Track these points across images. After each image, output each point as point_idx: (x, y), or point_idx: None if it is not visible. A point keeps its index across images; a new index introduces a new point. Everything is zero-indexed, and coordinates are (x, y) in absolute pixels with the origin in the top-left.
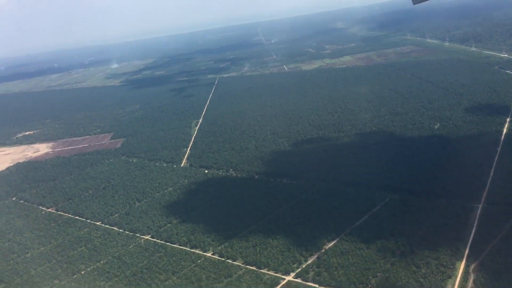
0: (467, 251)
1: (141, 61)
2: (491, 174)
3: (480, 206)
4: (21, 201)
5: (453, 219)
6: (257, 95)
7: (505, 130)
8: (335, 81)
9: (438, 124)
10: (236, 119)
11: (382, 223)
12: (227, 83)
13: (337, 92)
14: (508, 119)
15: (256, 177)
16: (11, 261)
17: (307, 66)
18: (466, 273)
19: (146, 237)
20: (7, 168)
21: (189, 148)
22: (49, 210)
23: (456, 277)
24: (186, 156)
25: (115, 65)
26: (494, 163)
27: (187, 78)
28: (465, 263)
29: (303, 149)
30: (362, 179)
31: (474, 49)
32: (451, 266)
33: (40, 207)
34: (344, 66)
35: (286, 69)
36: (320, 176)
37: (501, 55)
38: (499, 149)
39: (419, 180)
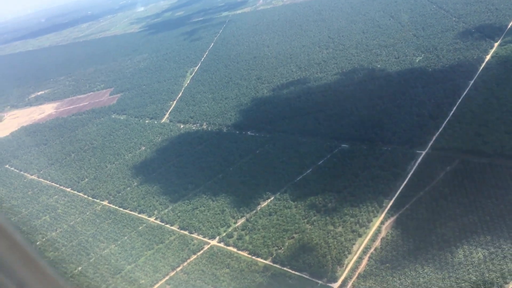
0: (389, 206)
1: (166, 1)
2: (450, 114)
3: (424, 152)
4: (12, 168)
5: (389, 169)
6: (259, 34)
7: (487, 57)
8: (340, 9)
9: (422, 56)
10: (229, 64)
11: (320, 178)
12: (236, 22)
13: (337, 23)
14: (496, 44)
15: (225, 130)
16: None
17: None
18: (377, 231)
19: (104, 203)
20: (11, 133)
21: (175, 101)
22: (32, 177)
23: (367, 235)
24: (169, 111)
25: (141, 8)
26: (459, 101)
27: (201, 18)
28: (381, 220)
29: (279, 96)
30: (321, 127)
31: None
32: (366, 224)
33: (25, 174)
34: None
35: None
36: (282, 126)
37: None
38: (471, 82)
39: (373, 126)
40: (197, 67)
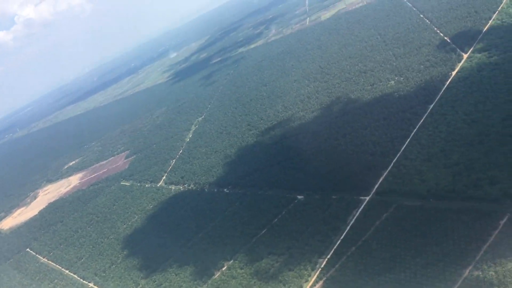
0: (321, 267)
1: (197, 41)
2: (401, 150)
3: (367, 199)
4: (31, 252)
5: (331, 223)
6: (261, 71)
7: (454, 73)
8: (337, 32)
9: (395, 79)
10: (227, 112)
11: (270, 239)
12: (247, 59)
13: (331, 48)
14: (465, 56)
15: (206, 189)
16: None
17: (327, 14)
18: None
19: (90, 285)
20: (40, 212)
21: (175, 160)
22: (43, 259)
23: None
24: (167, 171)
25: (174, 54)
26: (413, 132)
27: (220, 59)
28: (310, 286)
29: (261, 143)
30: (286, 178)
31: None
32: None
33: (39, 257)
34: (360, 4)
35: (307, 22)
36: (253, 180)
37: None
38: (430, 107)
39: (329, 172)
40: (202, 117)
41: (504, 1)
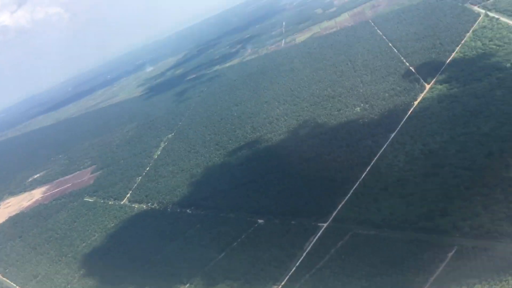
0: None
1: (174, 57)
2: (361, 178)
3: (325, 225)
4: None
5: (288, 249)
6: (234, 90)
7: (416, 103)
8: (310, 55)
9: (361, 106)
10: (198, 129)
11: (228, 264)
12: (222, 77)
13: (303, 72)
14: (428, 86)
15: (169, 209)
16: None
17: (301, 37)
18: None
19: None
20: None
21: (141, 177)
22: None
23: None
24: (132, 189)
25: (150, 68)
26: (374, 160)
27: (195, 75)
28: None
29: (227, 163)
30: (248, 201)
31: None
32: None
33: None
34: (334, 30)
35: (283, 44)
36: (216, 202)
37: None
38: (392, 135)
39: (290, 196)
40: (172, 134)
41: (467, 35)
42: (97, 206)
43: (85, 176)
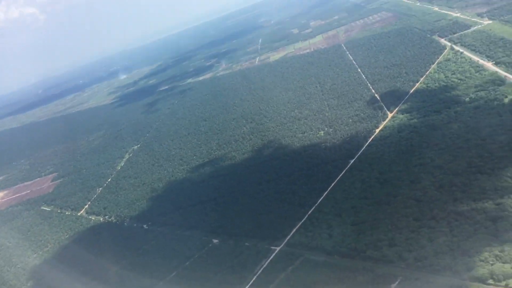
0: None
1: (149, 66)
2: (317, 202)
3: (278, 249)
4: None
5: (239, 271)
6: (204, 105)
7: (377, 131)
8: (282, 75)
9: (325, 130)
10: (164, 142)
11: (178, 284)
12: (194, 90)
13: (273, 91)
14: (390, 115)
15: (126, 223)
16: None
17: (275, 56)
18: None
19: None
20: None
21: (101, 188)
22: None
23: None
24: (92, 200)
25: (123, 76)
26: (331, 185)
27: (167, 87)
28: None
29: (190, 179)
30: (205, 219)
31: (436, 8)
32: None
33: None
34: (307, 51)
35: (257, 61)
36: (174, 219)
37: (454, 14)
38: (351, 162)
39: (247, 217)
40: (138, 146)
41: (432, 66)
42: (53, 216)
43: (45, 184)
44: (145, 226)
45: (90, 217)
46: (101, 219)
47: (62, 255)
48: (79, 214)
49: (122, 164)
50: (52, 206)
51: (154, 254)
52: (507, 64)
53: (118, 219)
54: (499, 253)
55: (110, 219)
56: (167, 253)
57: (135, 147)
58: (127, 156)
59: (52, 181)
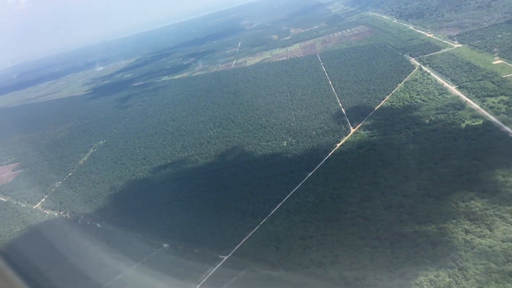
0: None
1: (127, 60)
2: (269, 213)
3: (225, 258)
4: None
5: (185, 278)
6: (176, 105)
7: (338, 145)
8: (255, 80)
9: (288, 140)
10: (129, 140)
11: None
12: (168, 88)
13: (244, 96)
14: (353, 130)
15: (80, 221)
16: None
17: (252, 60)
18: None
19: None
20: None
21: (61, 182)
22: None
23: None
24: (50, 193)
25: (100, 68)
26: (286, 198)
27: (142, 83)
28: None
29: (151, 179)
30: (160, 222)
31: (412, 27)
32: None
33: None
34: (284, 58)
35: (233, 65)
36: (128, 220)
37: (427, 34)
38: (309, 175)
39: (199, 223)
40: (103, 141)
41: (399, 85)
42: (8, 207)
43: (5, 173)
44: (98, 224)
45: (45, 211)
46: (56, 214)
47: (10, 250)
48: (34, 207)
49: (85, 158)
50: (9, 197)
51: (102, 255)
52: (469, 89)
53: (73, 216)
54: (434, 278)
55: (64, 215)
56: (116, 255)
57: (101, 142)
58: (91, 150)
59: (12, 171)
